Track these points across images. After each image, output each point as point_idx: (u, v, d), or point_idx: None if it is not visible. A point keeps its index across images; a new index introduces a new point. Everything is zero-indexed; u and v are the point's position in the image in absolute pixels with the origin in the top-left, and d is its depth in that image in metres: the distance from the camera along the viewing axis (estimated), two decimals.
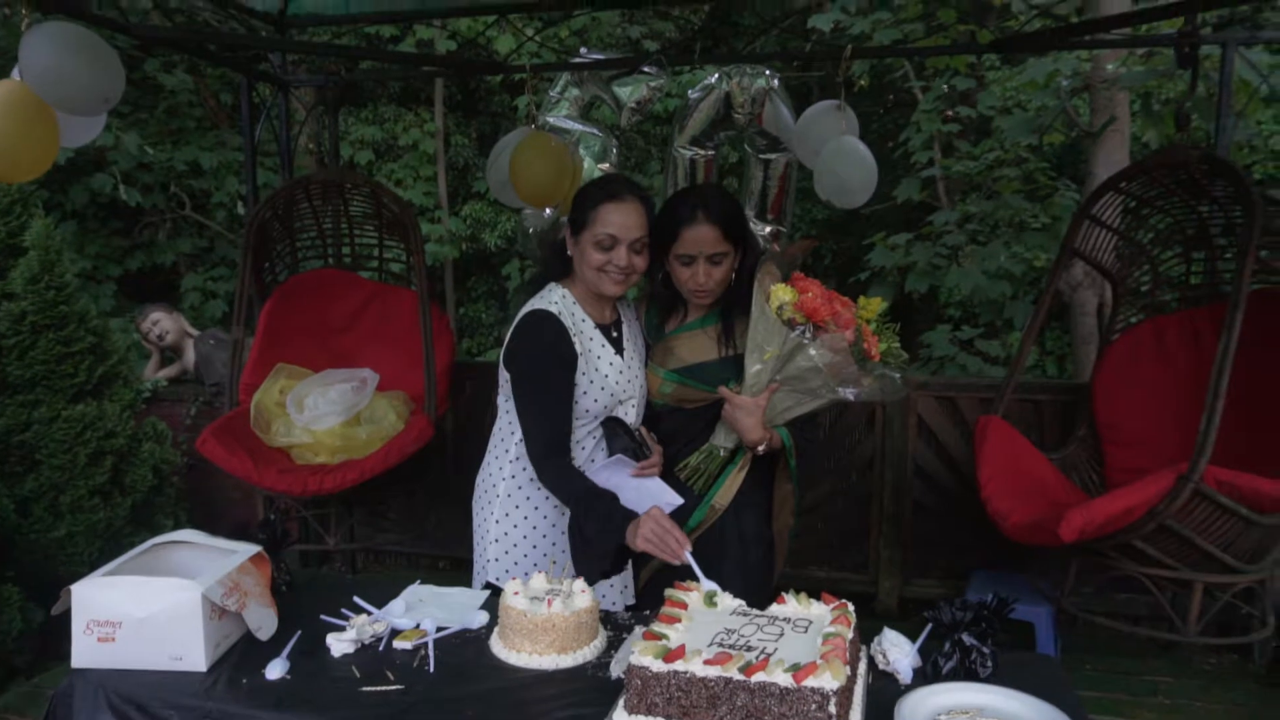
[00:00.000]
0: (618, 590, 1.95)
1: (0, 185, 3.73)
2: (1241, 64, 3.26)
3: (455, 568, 4.10)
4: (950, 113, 5.06)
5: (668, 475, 1.96)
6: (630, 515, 1.72)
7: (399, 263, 3.73)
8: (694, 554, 1.71)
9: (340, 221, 3.68)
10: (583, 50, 3.95)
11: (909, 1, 4.65)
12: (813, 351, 1.80)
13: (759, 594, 1.72)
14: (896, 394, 1.93)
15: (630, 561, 1.95)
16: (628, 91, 3.58)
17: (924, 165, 5.38)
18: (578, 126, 3.71)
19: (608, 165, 3.70)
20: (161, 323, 4.74)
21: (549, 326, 1.83)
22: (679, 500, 1.91)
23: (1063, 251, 3.04)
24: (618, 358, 1.93)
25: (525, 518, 1.93)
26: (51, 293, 3.65)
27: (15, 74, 2.38)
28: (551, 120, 3.72)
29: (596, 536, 1.73)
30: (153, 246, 6.82)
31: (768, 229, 3.75)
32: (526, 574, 1.76)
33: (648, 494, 1.87)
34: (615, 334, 1.96)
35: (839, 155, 3.02)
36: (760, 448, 1.90)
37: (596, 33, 6.84)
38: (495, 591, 1.83)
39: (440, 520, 3.96)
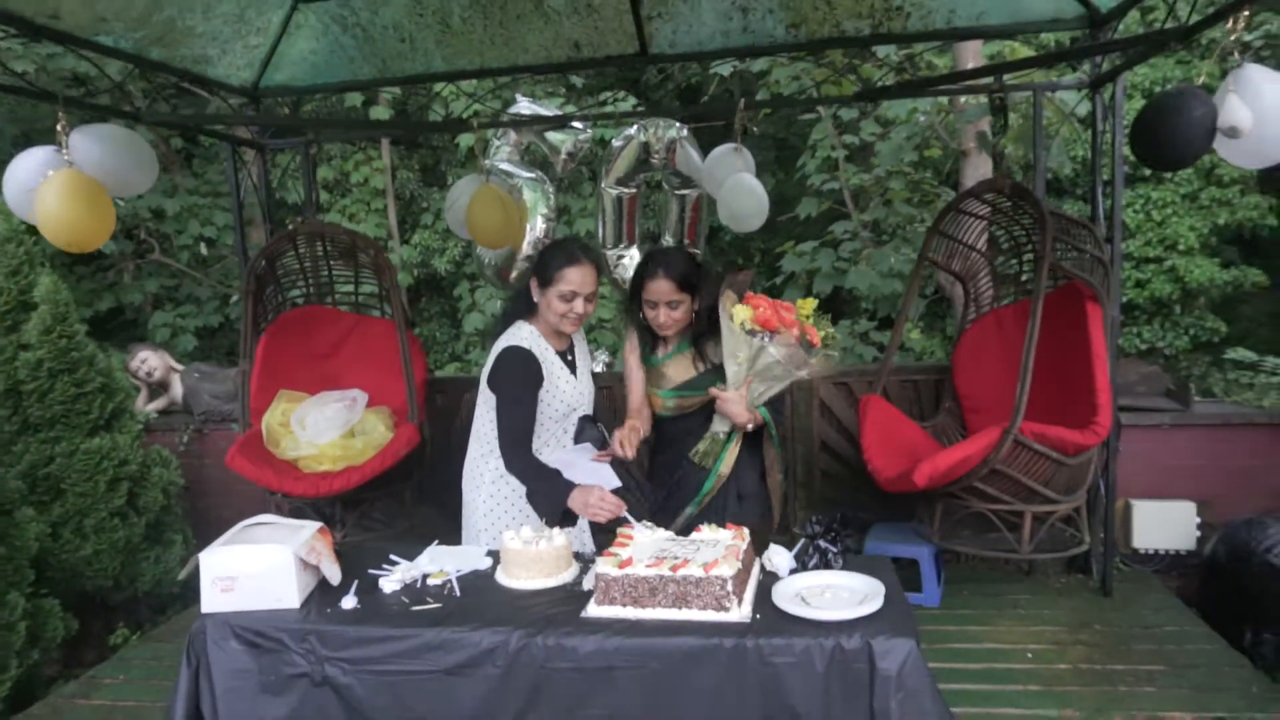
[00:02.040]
0: (575, 537, 2.64)
1: (9, 249, 4.19)
2: (1064, 102, 4.08)
3: None
4: (836, 141, 5.85)
5: (682, 461, 2.66)
6: (570, 487, 2.37)
7: (364, 293, 4.31)
8: (703, 514, 2.54)
9: (319, 262, 4.25)
10: (518, 98, 4.57)
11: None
12: (772, 350, 2.50)
13: (759, 540, 2.38)
14: (836, 367, 2.64)
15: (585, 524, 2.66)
16: (559, 140, 4.24)
17: (821, 184, 6.15)
18: (520, 172, 4.36)
19: (546, 209, 4.35)
20: (149, 360, 5.23)
21: (524, 359, 2.49)
22: (618, 483, 2.58)
23: (918, 261, 3.80)
24: (571, 376, 2.61)
25: (505, 497, 2.60)
26: (64, 341, 4.15)
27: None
28: (496, 164, 4.35)
29: (547, 502, 2.41)
30: (119, 288, 7.22)
31: (728, 279, 4.48)
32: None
33: (596, 474, 2.54)
34: (569, 358, 2.64)
35: (734, 190, 3.72)
36: (750, 427, 2.60)
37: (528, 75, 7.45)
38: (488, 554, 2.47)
39: (424, 517, 4.54)
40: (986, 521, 3.44)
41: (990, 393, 3.79)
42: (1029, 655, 3.29)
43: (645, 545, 2.13)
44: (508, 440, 2.48)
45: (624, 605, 1.96)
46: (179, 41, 3.60)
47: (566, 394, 2.58)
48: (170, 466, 4.54)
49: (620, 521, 2.36)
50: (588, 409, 2.68)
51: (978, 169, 5.40)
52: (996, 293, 3.92)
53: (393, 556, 2.33)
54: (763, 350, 2.51)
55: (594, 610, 1.98)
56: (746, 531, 2.18)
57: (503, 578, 2.21)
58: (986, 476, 3.19)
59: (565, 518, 2.49)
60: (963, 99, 4.96)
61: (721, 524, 2.41)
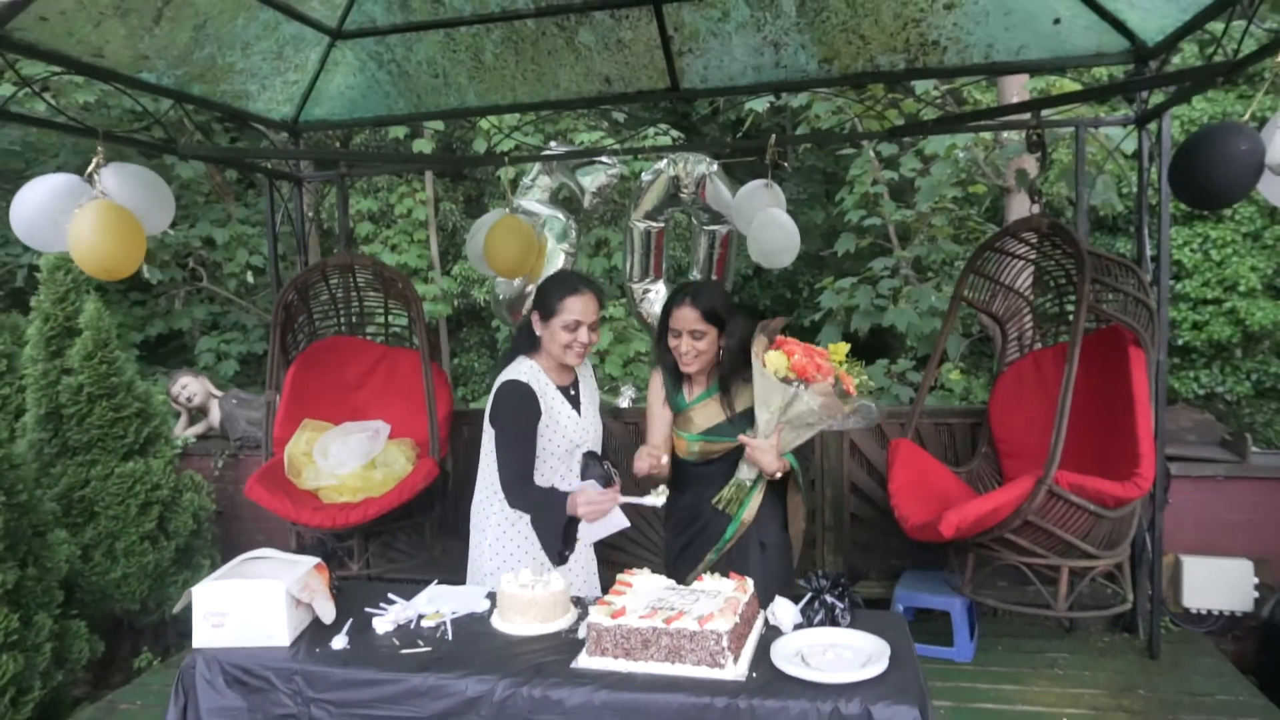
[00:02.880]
0: (582, 580, 2.59)
1: (58, 276, 4.33)
2: (1109, 139, 3.95)
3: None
4: (878, 176, 5.76)
5: (705, 508, 2.60)
6: (564, 499, 2.37)
7: (399, 325, 4.35)
8: (724, 563, 2.47)
9: (350, 292, 4.30)
10: (551, 144, 4.62)
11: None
12: (806, 399, 2.44)
13: (780, 587, 2.34)
14: (874, 419, 2.57)
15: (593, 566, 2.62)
16: (589, 180, 4.25)
17: (859, 220, 6.06)
18: (545, 210, 4.37)
19: (567, 245, 4.36)
20: (190, 386, 5.33)
21: (521, 392, 2.46)
22: (626, 523, 2.52)
23: (953, 301, 3.68)
24: (574, 412, 2.56)
25: (510, 539, 2.55)
26: (104, 366, 4.25)
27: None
28: (523, 204, 4.38)
29: (549, 520, 2.39)
30: (169, 315, 7.43)
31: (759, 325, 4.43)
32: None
33: (606, 515, 2.47)
34: (573, 393, 2.59)
35: (764, 225, 3.66)
36: (779, 475, 2.53)
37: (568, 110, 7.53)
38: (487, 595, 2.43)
39: (445, 549, 4.52)
40: (1024, 573, 3.27)
41: (1028, 438, 3.63)
42: None
43: (642, 594, 2.05)
44: (507, 475, 2.45)
45: (615, 657, 1.89)
46: (219, 78, 3.69)
47: (569, 430, 2.53)
48: (202, 491, 4.59)
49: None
50: (594, 446, 2.62)
51: (1022, 206, 5.25)
52: (1037, 334, 3.77)
53: (390, 595, 2.29)
54: (797, 398, 2.44)
55: (584, 661, 1.91)
56: (750, 583, 2.09)
57: (498, 621, 2.15)
58: (1019, 528, 3.04)
59: (568, 541, 2.45)
60: (1004, 134, 4.85)
61: (745, 573, 2.35)
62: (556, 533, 2.40)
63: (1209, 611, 3.86)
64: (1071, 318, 3.68)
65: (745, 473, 2.57)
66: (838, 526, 4.13)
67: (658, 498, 2.39)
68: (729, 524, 2.58)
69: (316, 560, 2.21)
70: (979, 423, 3.96)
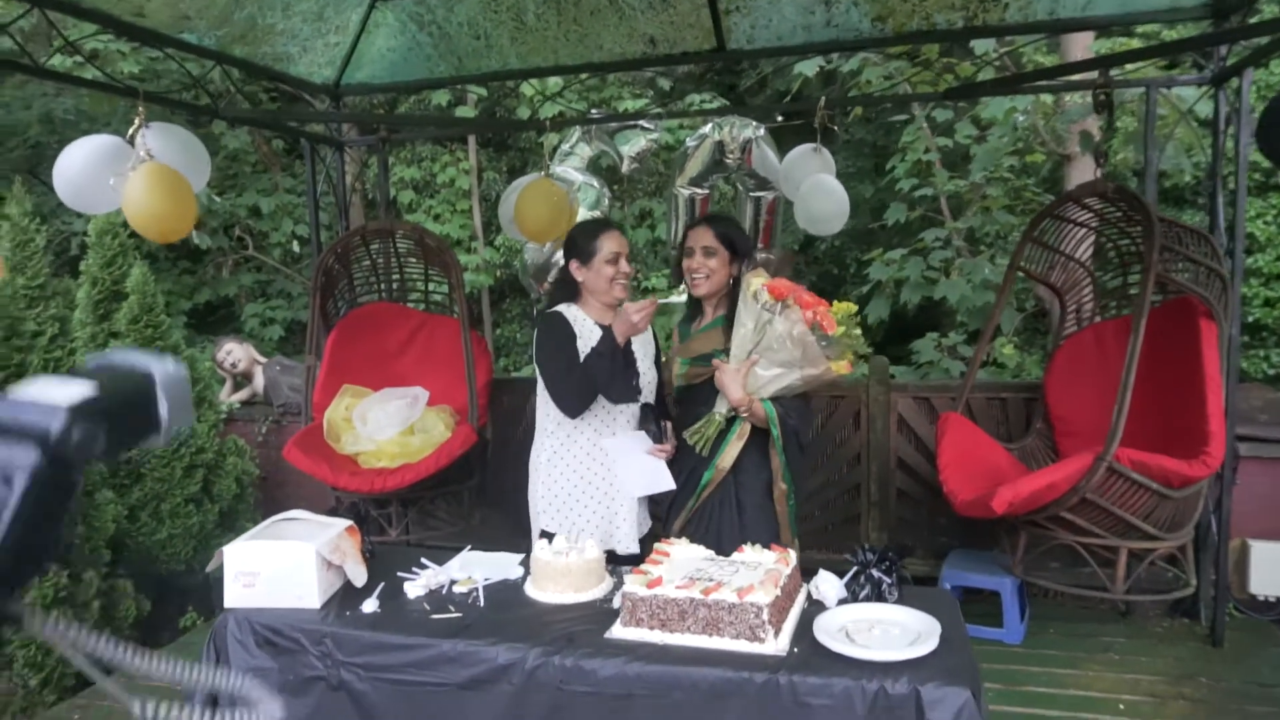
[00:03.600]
0: (625, 531, 2.55)
1: (105, 240, 4.37)
2: (1182, 100, 3.72)
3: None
4: (931, 144, 5.54)
5: (688, 452, 2.51)
6: (607, 345, 2.39)
7: (440, 293, 4.32)
8: (700, 521, 2.40)
9: (390, 260, 4.27)
10: (593, 111, 4.52)
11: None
12: (779, 324, 2.33)
13: None
14: (848, 369, 2.44)
15: (637, 515, 2.56)
16: (627, 147, 4.14)
17: (911, 189, 5.85)
18: (580, 177, 4.28)
19: (598, 212, 4.27)
20: (234, 352, 5.38)
21: (554, 319, 2.51)
22: (673, 485, 2.46)
23: (1009, 270, 3.51)
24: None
25: (555, 481, 2.56)
26: (150, 330, 4.28)
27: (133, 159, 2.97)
28: (559, 170, 4.29)
29: (602, 368, 2.38)
30: (217, 281, 7.52)
31: (760, 256, 4.28)
32: (567, 517, 2.48)
33: (651, 469, 2.42)
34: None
35: (813, 191, 3.54)
36: (743, 410, 2.41)
37: (614, 74, 7.40)
38: (546, 538, 2.43)
39: (484, 518, 4.51)
40: (1079, 555, 3.13)
41: (1086, 415, 3.47)
42: (1121, 707, 2.97)
43: (679, 563, 1.98)
44: (556, 390, 2.46)
45: (650, 628, 1.82)
46: (260, 39, 3.66)
47: None
48: (245, 456, 4.63)
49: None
50: (647, 397, 2.59)
51: (1083, 174, 5.01)
52: (1098, 306, 3.59)
53: (423, 560, 2.25)
54: (770, 322, 2.35)
55: (619, 631, 1.84)
56: (792, 555, 2.01)
57: (531, 589, 2.10)
58: (1076, 507, 2.90)
59: (630, 379, 2.46)
60: (1066, 97, 4.62)
61: (718, 536, 2.28)
62: (615, 372, 2.38)
63: (1277, 599, 3.68)
64: (1135, 290, 3.52)
65: (720, 406, 2.48)
66: (883, 503, 4.01)
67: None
68: (706, 467, 2.48)
69: (348, 522, 2.17)
70: (1034, 398, 3.80)
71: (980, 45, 4.48)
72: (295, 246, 7.26)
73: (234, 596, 2.01)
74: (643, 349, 2.62)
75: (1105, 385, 3.44)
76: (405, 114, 6.20)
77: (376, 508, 3.77)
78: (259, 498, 4.83)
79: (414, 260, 4.26)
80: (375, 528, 4.10)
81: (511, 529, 4.58)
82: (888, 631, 1.79)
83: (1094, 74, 3.18)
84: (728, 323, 2.54)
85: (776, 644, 1.75)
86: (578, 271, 2.55)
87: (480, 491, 4.41)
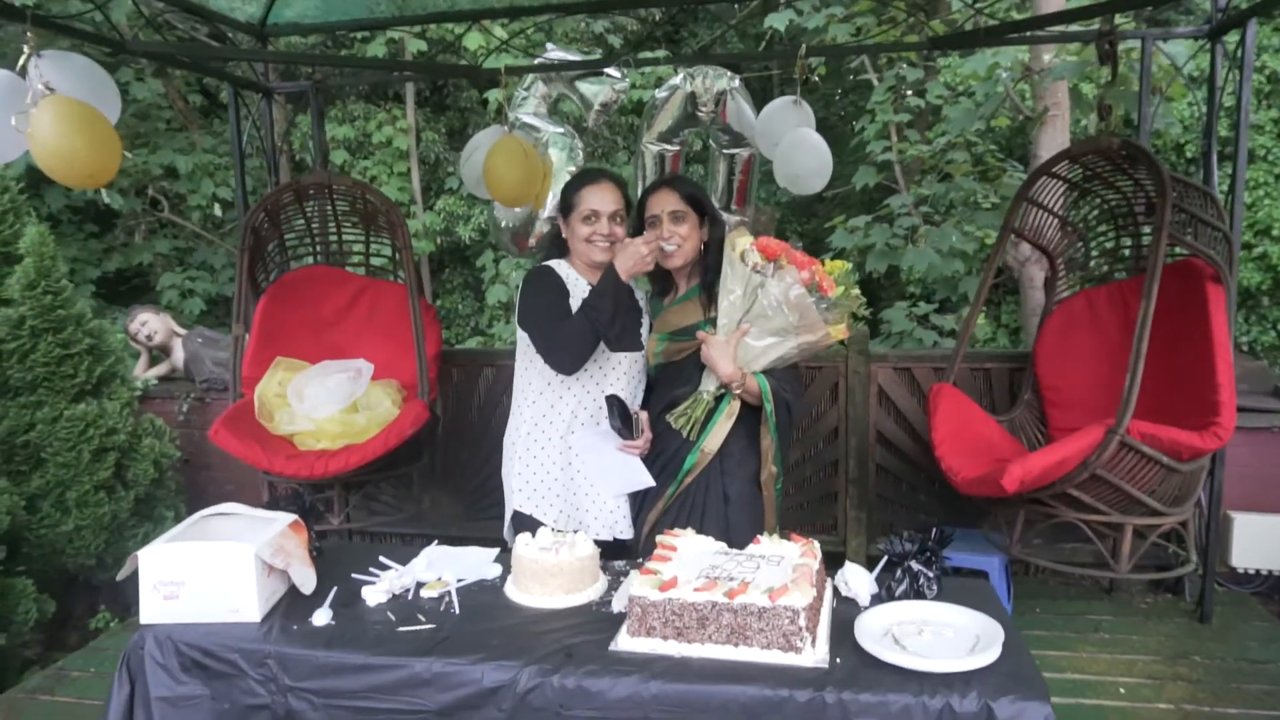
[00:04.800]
0: (618, 517, 2.27)
1: None
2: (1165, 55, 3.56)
3: (452, 546, 4.30)
4: (899, 102, 5.33)
5: (659, 424, 2.24)
6: (609, 283, 2.13)
7: (381, 256, 3.92)
8: (680, 510, 2.08)
9: (327, 220, 3.85)
10: (549, 47, 4.13)
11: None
12: (771, 285, 2.05)
13: (739, 544, 1.97)
14: (845, 334, 2.18)
15: (628, 499, 2.30)
16: (592, 91, 3.80)
17: (880, 152, 5.65)
18: (547, 126, 3.92)
19: (574, 166, 3.92)
20: (150, 323, 4.88)
21: (542, 271, 2.26)
22: (651, 481, 2.18)
23: (1003, 231, 3.32)
24: None
25: (534, 457, 2.27)
26: (49, 297, 3.79)
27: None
28: (521, 118, 3.92)
29: (600, 309, 2.11)
30: (129, 248, 6.90)
31: (734, 219, 3.99)
32: (545, 498, 2.20)
33: (625, 467, 2.14)
34: None
35: (795, 146, 3.27)
36: (734, 386, 2.13)
37: (561, 27, 7.01)
38: (519, 519, 2.23)
39: (434, 502, 4.17)
40: (1065, 530, 2.97)
41: (1078, 385, 3.31)
42: (1121, 691, 2.85)
43: (690, 559, 1.70)
44: (546, 344, 2.19)
45: (664, 637, 1.54)
46: None
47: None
48: (164, 437, 4.18)
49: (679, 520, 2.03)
50: (627, 364, 2.30)
51: (1053, 139, 4.87)
52: (1086, 272, 3.43)
53: (383, 559, 1.93)
54: (762, 286, 2.07)
55: (626, 642, 1.56)
56: (817, 546, 1.75)
57: (513, 592, 1.80)
58: (1084, 482, 2.72)
59: (625, 421, 2.18)
60: (1046, 56, 4.44)
61: (702, 528, 2.02)
62: (617, 314, 2.13)
63: (1258, 571, 3.61)
64: (1127, 252, 3.37)
65: (707, 383, 2.20)
66: (862, 479, 3.81)
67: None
68: (690, 452, 2.20)
69: (292, 518, 1.83)
70: (1020, 368, 3.63)
71: (955, 2, 4.27)
72: (217, 210, 6.69)
73: (152, 610, 1.66)
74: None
75: (1098, 354, 3.29)
76: (341, 55, 5.69)
77: (315, 493, 3.40)
78: (180, 482, 4.38)
79: (353, 220, 3.86)
80: (315, 516, 3.73)
81: (465, 513, 4.26)
82: (940, 635, 1.55)
83: (1096, 22, 2.97)
84: (705, 291, 2.27)
85: (815, 654, 1.49)
86: (562, 226, 2.31)
87: (430, 473, 4.07)
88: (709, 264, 2.27)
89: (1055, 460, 2.63)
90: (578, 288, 2.26)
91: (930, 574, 1.70)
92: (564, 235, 2.32)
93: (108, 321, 6.15)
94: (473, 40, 6.08)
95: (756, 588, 1.53)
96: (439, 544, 2.06)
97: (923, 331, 5.07)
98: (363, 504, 4.19)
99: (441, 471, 4.17)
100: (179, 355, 4.89)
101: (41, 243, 3.83)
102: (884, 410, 3.80)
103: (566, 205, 2.28)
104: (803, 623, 1.48)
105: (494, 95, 4.91)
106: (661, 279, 2.36)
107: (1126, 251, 3.36)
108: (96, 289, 6.73)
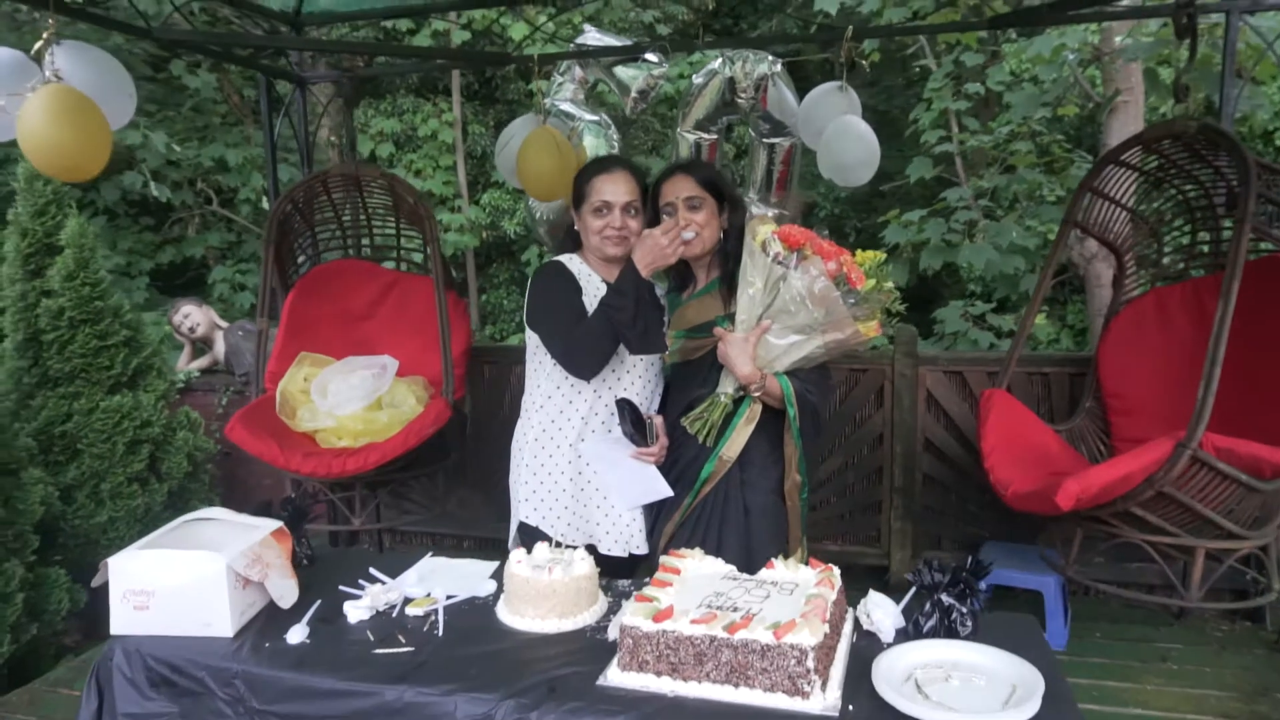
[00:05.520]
0: (634, 530, 2.12)
1: (36, 186, 3.88)
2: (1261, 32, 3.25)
3: (479, 547, 4.22)
4: (958, 90, 5.05)
5: (675, 429, 2.08)
6: (629, 280, 1.97)
7: (419, 252, 3.84)
8: (697, 518, 1.97)
9: (359, 214, 3.79)
10: (586, 27, 3.99)
11: None
12: (794, 277, 1.87)
13: (758, 565, 1.81)
14: (877, 331, 1.98)
15: (643, 512, 2.14)
16: (629, 76, 3.64)
17: (935, 143, 5.38)
18: (582, 114, 3.78)
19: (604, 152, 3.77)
20: (192, 315, 4.90)
21: (555, 268, 2.12)
22: (669, 491, 2.02)
23: (1064, 226, 3.06)
24: None
25: (542, 465, 2.14)
26: (87, 289, 3.80)
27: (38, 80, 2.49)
28: (557, 104, 3.79)
29: (620, 309, 1.96)
30: (182, 241, 7.01)
31: (772, 212, 3.80)
32: (552, 509, 2.07)
33: (640, 477, 1.99)
34: None
35: (840, 134, 3.08)
36: (753, 388, 1.96)
37: (609, 17, 6.87)
38: (525, 531, 2.11)
39: (462, 500, 4.08)
40: (1129, 547, 2.72)
41: (1146, 392, 3.05)
42: None
43: (693, 585, 1.55)
44: (561, 348, 2.04)
45: (658, 673, 1.39)
46: None
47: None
48: (198, 430, 4.18)
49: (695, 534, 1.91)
50: (643, 367, 2.15)
51: (1126, 124, 4.55)
52: (1158, 269, 3.15)
53: (372, 570, 1.82)
54: (785, 278, 1.88)
55: (616, 676, 1.41)
56: (837, 574, 1.57)
57: (504, 613, 1.66)
58: (1149, 501, 2.47)
59: (637, 427, 2.03)
60: (1117, 38, 4.14)
61: (719, 542, 1.91)
62: (639, 313, 1.97)
63: None
64: (1205, 248, 3.08)
65: (725, 384, 2.02)
66: (908, 489, 3.59)
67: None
68: (707, 460, 2.02)
69: (276, 525, 1.73)
70: (1080, 373, 3.37)
71: None
72: (265, 204, 6.74)
73: (123, 621, 1.58)
74: None
75: (1171, 358, 3.02)
76: (374, 42, 5.64)
77: (338, 491, 3.34)
78: (215, 476, 4.38)
79: (386, 214, 3.78)
80: (339, 516, 3.68)
81: (494, 513, 4.16)
82: (970, 682, 1.36)
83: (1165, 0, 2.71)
84: (726, 284, 2.10)
85: (825, 699, 1.32)
86: (575, 218, 2.17)
87: (458, 472, 3.98)
88: (730, 253, 2.10)
89: (1117, 476, 2.39)
90: (591, 284, 2.12)
91: (964, 609, 1.51)
92: (576, 228, 2.18)
93: (157, 314, 6.26)
94: (518, 31, 5.99)
95: (762, 622, 1.37)
96: (464, 545, 1.95)
97: (978, 332, 4.79)
98: (392, 502, 4.13)
99: (472, 470, 4.08)
100: (220, 348, 4.91)
101: (81, 234, 3.84)
102: (932, 416, 3.57)
103: (578, 196, 2.14)
104: (811, 664, 1.31)
105: (535, 85, 4.81)
106: (679, 272, 2.20)
107: (1205, 247, 3.08)
108: (151, 281, 6.84)
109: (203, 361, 4.97)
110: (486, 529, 4.02)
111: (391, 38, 6.97)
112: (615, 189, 2.07)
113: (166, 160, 6.16)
